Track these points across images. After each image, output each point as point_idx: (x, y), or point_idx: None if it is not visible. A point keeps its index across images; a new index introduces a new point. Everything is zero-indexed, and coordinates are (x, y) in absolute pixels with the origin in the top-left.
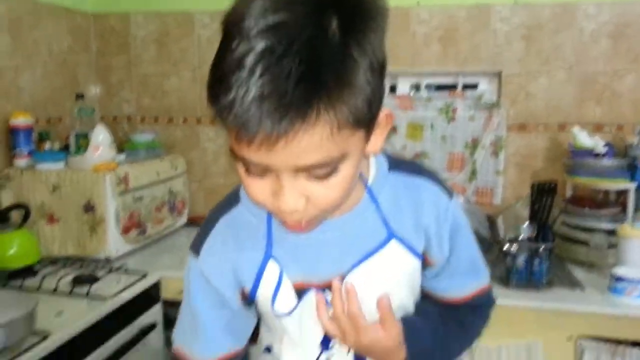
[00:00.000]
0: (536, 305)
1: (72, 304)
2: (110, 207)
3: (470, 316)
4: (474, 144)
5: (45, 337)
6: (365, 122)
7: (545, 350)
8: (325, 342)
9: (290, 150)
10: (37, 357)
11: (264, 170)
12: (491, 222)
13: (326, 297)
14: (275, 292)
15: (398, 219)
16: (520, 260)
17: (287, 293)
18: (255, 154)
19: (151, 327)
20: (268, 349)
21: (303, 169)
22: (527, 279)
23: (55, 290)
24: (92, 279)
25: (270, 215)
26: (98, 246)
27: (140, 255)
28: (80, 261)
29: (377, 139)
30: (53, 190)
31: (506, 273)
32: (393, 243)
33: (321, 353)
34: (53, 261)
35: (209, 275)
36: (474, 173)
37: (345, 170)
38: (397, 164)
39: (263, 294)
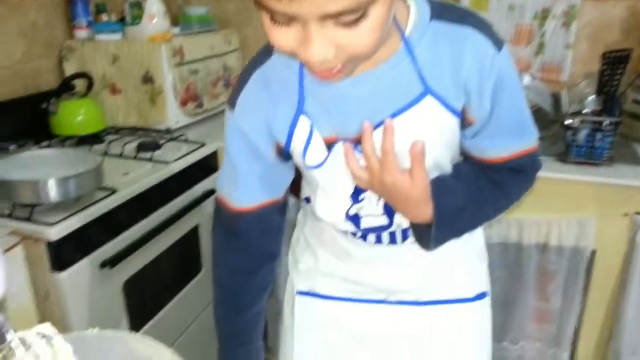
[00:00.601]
0: (594, 181)
1: (137, 166)
2: (167, 78)
3: (510, 178)
4: (544, 14)
5: (113, 192)
6: None
7: (598, 226)
8: (356, 195)
9: None
10: (106, 208)
11: (290, 19)
12: (555, 98)
13: (356, 150)
14: (305, 145)
15: (436, 73)
16: (582, 135)
17: (318, 146)
18: (278, 3)
19: (209, 193)
20: (307, 200)
21: (330, 16)
22: (587, 155)
23: (121, 154)
24: (155, 146)
25: (302, 67)
26: (158, 117)
27: (198, 128)
28: (143, 131)
29: None
30: (113, 61)
31: (565, 148)
32: (429, 99)
33: (352, 205)
34: (118, 130)
35: (244, 128)
36: (541, 46)
37: (376, 13)
38: (441, 11)
39: (296, 148)
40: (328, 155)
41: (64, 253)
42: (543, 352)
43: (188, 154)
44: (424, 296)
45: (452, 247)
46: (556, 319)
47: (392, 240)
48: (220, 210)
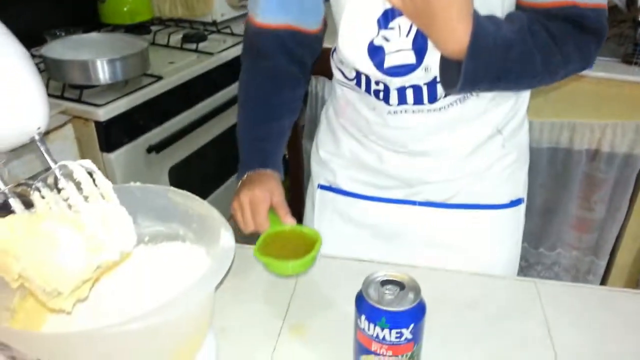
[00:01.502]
0: None
1: (182, 56)
2: None
3: (568, 33)
4: None
5: (159, 79)
6: None
7: None
8: (384, 20)
9: None
10: (152, 94)
11: None
12: None
13: None
14: None
15: None
16: None
17: None
18: None
19: None
20: (334, 51)
21: None
22: None
23: (167, 44)
24: (200, 37)
25: None
26: (204, 8)
27: (243, 22)
28: (188, 22)
29: None
30: None
31: (633, 49)
32: None
33: (378, 33)
34: (164, 21)
35: None
36: None
37: None
38: None
39: None
40: None
41: (112, 134)
42: (580, 260)
43: (233, 46)
44: (453, 198)
45: (489, 143)
46: (597, 229)
47: (418, 99)
48: (248, 28)
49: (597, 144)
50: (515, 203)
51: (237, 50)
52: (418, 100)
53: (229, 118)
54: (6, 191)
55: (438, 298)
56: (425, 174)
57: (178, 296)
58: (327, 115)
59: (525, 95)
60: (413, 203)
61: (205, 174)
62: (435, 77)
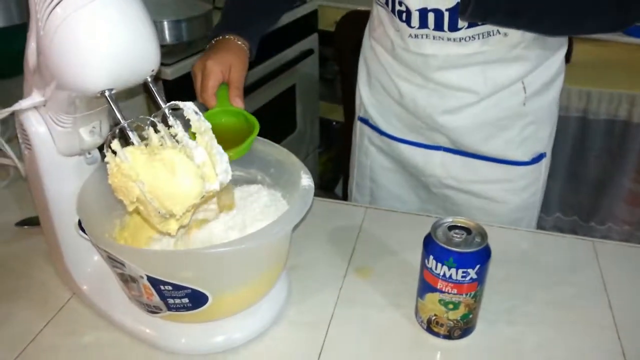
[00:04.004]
0: None
1: None
2: None
3: None
4: None
5: None
6: None
7: None
8: None
9: None
10: None
11: None
12: None
13: None
14: None
15: None
16: None
17: None
18: None
19: (307, 53)
20: None
21: None
22: None
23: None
24: None
25: None
26: None
27: None
28: None
29: None
30: None
31: None
32: None
33: None
34: None
35: None
36: None
37: None
38: None
39: None
40: None
41: (177, 93)
42: (630, 235)
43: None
44: (482, 147)
45: (510, 95)
46: None
47: (439, 24)
48: None
49: None
50: (536, 160)
51: (291, 16)
52: (438, 26)
53: (281, 84)
54: (125, 125)
55: (495, 252)
56: (441, 115)
57: (267, 227)
58: (363, 41)
59: (557, 58)
60: (437, 148)
61: (266, 133)
62: (458, 3)
